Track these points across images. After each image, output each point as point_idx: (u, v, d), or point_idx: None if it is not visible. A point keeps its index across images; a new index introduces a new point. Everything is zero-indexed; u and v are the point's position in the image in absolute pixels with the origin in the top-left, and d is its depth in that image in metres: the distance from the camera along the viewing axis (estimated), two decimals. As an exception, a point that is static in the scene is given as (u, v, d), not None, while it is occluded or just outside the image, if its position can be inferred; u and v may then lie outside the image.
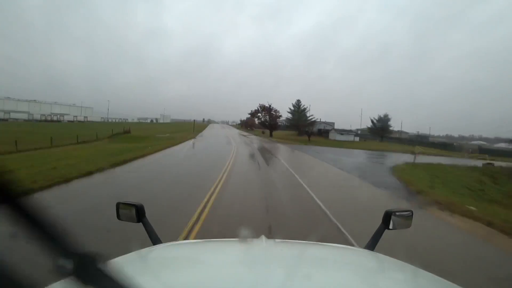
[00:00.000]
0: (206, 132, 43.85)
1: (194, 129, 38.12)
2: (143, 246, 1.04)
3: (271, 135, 40.78)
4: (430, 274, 0.81)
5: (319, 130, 57.67)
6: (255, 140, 30.69)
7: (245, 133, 51.21)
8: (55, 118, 79.76)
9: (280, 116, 43.67)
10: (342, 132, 55.25)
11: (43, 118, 76.76)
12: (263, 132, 52.91)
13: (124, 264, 0.83)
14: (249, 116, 52.32)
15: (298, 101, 58.13)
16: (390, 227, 1.23)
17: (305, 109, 57.77)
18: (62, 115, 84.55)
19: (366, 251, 1.13)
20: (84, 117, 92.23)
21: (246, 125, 71.63)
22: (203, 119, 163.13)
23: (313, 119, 57.21)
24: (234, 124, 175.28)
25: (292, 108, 56.80)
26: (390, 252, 1.04)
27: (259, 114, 41.55)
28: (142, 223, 1.27)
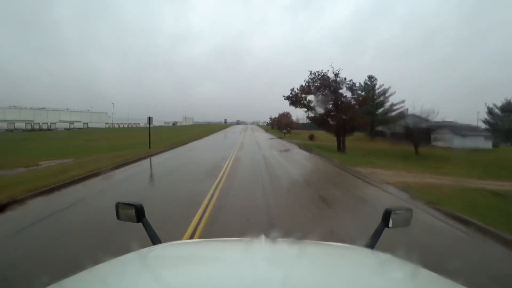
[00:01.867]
0: (197, 144, 21.45)
1: (150, 142, 15.57)
2: (142, 246, 1.05)
3: (341, 147, 16.73)
4: (431, 272, 0.80)
5: (407, 129, 30.87)
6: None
7: (279, 141, 27.56)
8: (44, 126, 65.59)
9: (364, 98, 19.15)
10: (464, 132, 28.86)
11: (29, 127, 63.36)
12: (311, 138, 28.80)
13: (124, 264, 0.84)
14: (287, 103, 28.44)
15: (371, 78, 32.91)
16: (390, 225, 1.22)
17: (385, 91, 32.40)
18: (54, 123, 70.75)
19: (366, 250, 1.11)
20: (84, 123, 77.93)
21: (278, 125, 47.23)
22: (225, 119, 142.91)
23: (401, 109, 31.77)
24: (264, 124, 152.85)
25: (362, 92, 31.83)
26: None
27: (308, 98, 17.51)
28: (142, 223, 1.27)
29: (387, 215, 1.23)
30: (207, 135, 34.51)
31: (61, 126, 72.26)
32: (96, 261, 0.80)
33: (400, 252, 0.91)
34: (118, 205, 1.31)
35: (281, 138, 30.07)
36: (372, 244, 1.18)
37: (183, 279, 0.71)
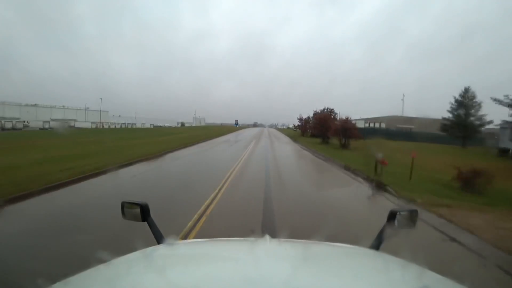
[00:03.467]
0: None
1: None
2: (147, 245, 1.01)
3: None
4: (436, 274, 0.79)
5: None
6: None
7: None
8: (8, 125, 51.32)
9: None
10: None
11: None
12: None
13: (129, 263, 0.85)
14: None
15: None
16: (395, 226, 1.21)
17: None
18: (21, 121, 57.17)
19: (371, 251, 1.10)
20: (65, 122, 64.39)
21: (321, 130, 27.66)
22: (236, 121, 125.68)
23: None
24: (284, 127, 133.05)
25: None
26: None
27: None
28: (147, 222, 1.25)
29: (392, 216, 1.20)
30: (175, 148, 16.37)
31: (36, 125, 58.42)
32: (101, 260, 0.78)
33: (405, 254, 0.87)
34: (123, 204, 1.28)
35: (416, 202, 10.66)
36: (377, 245, 1.15)
37: (188, 278, 0.70)
